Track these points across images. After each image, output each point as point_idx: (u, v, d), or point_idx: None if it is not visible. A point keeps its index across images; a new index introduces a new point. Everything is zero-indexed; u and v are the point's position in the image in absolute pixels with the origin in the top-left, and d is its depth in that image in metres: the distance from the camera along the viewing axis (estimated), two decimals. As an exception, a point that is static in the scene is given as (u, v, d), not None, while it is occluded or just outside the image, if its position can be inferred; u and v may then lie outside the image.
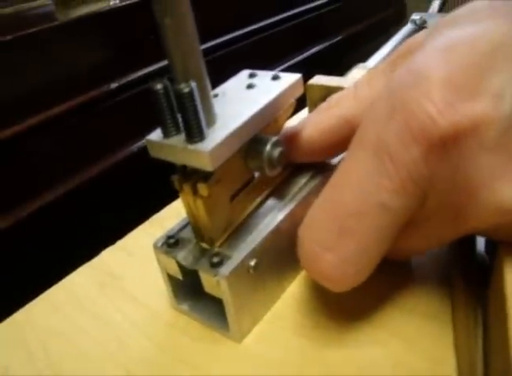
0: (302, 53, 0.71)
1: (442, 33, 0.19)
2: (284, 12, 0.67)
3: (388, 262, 0.26)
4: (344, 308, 0.24)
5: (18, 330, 0.26)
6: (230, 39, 0.59)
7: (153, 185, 0.43)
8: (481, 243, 0.25)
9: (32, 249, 0.43)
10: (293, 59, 0.69)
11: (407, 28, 0.41)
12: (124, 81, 0.46)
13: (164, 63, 0.49)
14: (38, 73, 0.42)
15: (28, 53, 0.41)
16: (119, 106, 0.47)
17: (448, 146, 0.17)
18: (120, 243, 0.32)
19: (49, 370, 0.23)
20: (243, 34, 0.61)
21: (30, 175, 0.43)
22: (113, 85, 0.46)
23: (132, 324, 0.25)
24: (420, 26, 0.41)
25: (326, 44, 0.75)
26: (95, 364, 0.23)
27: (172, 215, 0.32)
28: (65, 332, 0.26)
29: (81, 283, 0.29)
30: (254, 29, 0.62)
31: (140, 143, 0.49)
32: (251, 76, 0.25)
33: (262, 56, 0.64)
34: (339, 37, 0.77)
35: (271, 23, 0.65)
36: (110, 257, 0.31)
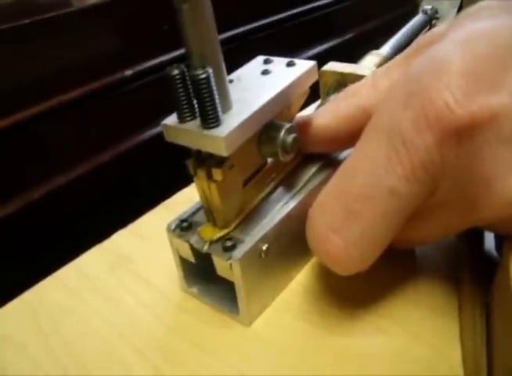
0: (314, 48, 0.71)
1: (464, 25, 0.20)
2: (296, 7, 0.67)
3: (395, 254, 0.26)
4: (351, 297, 0.24)
5: (29, 308, 0.27)
6: (243, 32, 0.59)
7: (164, 171, 0.43)
8: (490, 240, 0.25)
9: (43, 231, 0.43)
10: (305, 54, 0.69)
11: (418, 18, 0.41)
12: (138, 68, 0.47)
13: (179, 52, 0.49)
14: (53, 58, 0.42)
15: (44, 38, 0.41)
16: (133, 92, 0.47)
17: (463, 136, 0.17)
18: (131, 226, 0.32)
19: (62, 349, 0.24)
20: (256, 28, 0.61)
21: (42, 158, 0.43)
22: (128, 72, 0.46)
23: (143, 306, 0.26)
24: (432, 16, 0.41)
25: (338, 40, 0.75)
26: (107, 343, 0.24)
27: (184, 201, 0.32)
28: (76, 311, 0.26)
29: (92, 264, 0.30)
30: (268, 23, 0.62)
31: (153, 130, 0.49)
32: (266, 62, 0.25)
33: (275, 50, 0.64)
34: (351, 35, 0.77)
35: (284, 17, 0.65)
36: (121, 240, 0.31)
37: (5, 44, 0.39)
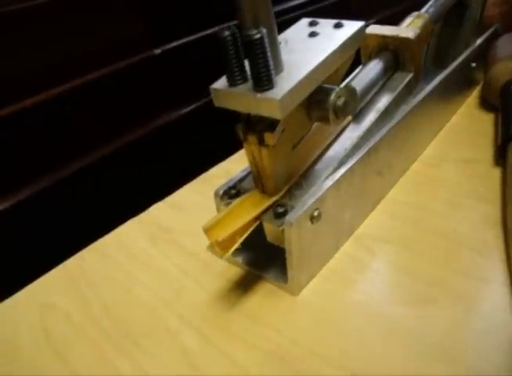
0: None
1: None
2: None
3: (444, 228, 0.25)
4: (401, 268, 0.24)
5: (70, 276, 0.27)
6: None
7: (195, 149, 0.43)
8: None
9: (81, 204, 0.44)
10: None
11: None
12: (167, 47, 0.46)
13: (206, 32, 0.49)
14: (81, 37, 0.42)
15: (71, 17, 0.41)
16: (162, 72, 0.47)
17: None
18: (168, 199, 0.32)
19: (106, 316, 0.24)
20: (279, 12, 0.60)
21: (75, 135, 0.44)
22: (157, 51, 0.46)
23: (186, 274, 0.26)
24: None
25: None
26: (150, 311, 0.24)
27: (220, 174, 0.32)
28: (117, 279, 0.26)
29: (130, 234, 0.30)
30: (289, 7, 0.61)
31: (186, 106, 0.49)
32: (312, 24, 0.24)
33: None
34: (373, 20, 0.76)
35: (306, 1, 0.64)
36: (159, 211, 0.31)
37: (32, 22, 0.39)
